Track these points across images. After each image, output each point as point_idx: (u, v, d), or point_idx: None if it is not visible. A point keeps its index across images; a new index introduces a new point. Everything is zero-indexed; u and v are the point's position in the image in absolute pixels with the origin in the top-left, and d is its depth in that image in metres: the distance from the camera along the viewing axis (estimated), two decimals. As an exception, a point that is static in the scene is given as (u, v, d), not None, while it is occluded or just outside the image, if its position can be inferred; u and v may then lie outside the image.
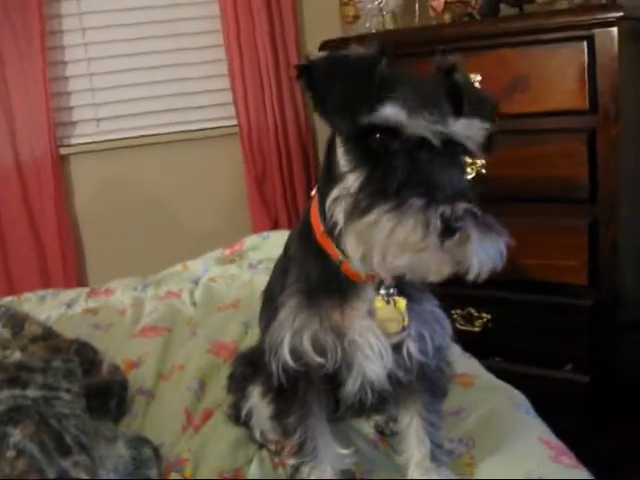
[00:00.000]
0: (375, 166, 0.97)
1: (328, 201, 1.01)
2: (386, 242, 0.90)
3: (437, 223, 0.88)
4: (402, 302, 1.11)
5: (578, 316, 2.32)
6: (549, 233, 2.33)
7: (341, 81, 1.00)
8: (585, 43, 2.16)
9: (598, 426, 2.30)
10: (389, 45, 1.04)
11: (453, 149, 0.99)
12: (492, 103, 1.13)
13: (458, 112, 1.01)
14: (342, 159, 1.03)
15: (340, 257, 1.10)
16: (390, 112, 0.95)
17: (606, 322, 2.28)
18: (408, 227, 0.89)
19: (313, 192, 1.19)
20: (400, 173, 0.94)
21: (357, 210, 0.94)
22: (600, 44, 2.14)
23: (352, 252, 0.95)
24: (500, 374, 1.66)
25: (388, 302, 1.11)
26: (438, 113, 0.97)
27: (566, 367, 2.38)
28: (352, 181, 0.98)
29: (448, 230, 0.89)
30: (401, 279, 1.07)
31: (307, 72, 1.02)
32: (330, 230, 1.07)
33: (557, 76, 2.24)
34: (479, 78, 2.36)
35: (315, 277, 1.13)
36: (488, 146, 1.04)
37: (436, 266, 0.94)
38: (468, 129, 0.99)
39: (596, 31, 2.14)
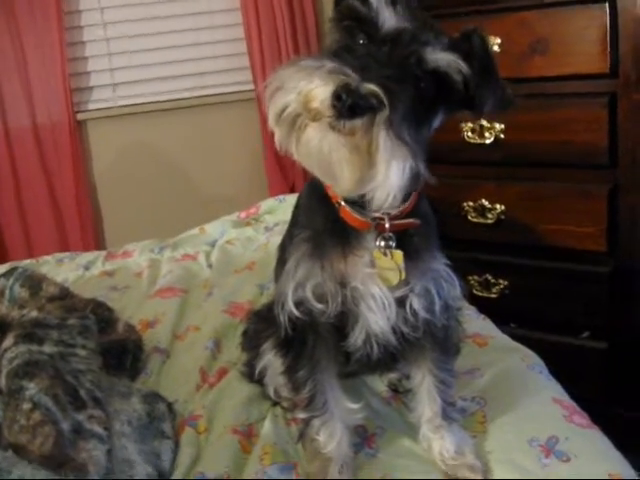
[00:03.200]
0: (335, 51, 0.98)
1: None
2: (294, 92, 0.90)
3: (334, 88, 0.86)
4: (399, 254, 1.09)
5: (596, 283, 2.30)
6: (568, 199, 2.30)
7: None
8: (607, 4, 2.11)
9: (615, 393, 2.30)
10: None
11: (426, 79, 0.96)
12: (505, 93, 1.05)
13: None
14: None
15: (339, 199, 1.09)
16: (375, 2, 0.97)
17: (624, 289, 2.26)
18: (306, 74, 0.89)
19: None
20: (346, 55, 0.94)
21: None
22: (622, 6, 2.09)
23: (270, 117, 0.94)
24: (517, 340, 1.65)
25: (385, 254, 1.09)
26: (425, 34, 0.96)
27: (583, 334, 2.37)
28: None
29: (346, 102, 0.85)
30: (406, 233, 1.08)
31: None
32: None
33: (578, 39, 2.19)
34: (499, 41, 2.32)
35: (320, 223, 1.12)
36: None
37: (335, 150, 0.90)
38: (446, 63, 0.96)
39: (619, -8, 2.09)
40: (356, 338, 1.13)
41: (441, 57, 0.96)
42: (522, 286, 2.47)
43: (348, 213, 1.09)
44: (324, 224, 1.12)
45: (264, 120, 3.38)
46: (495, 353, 1.54)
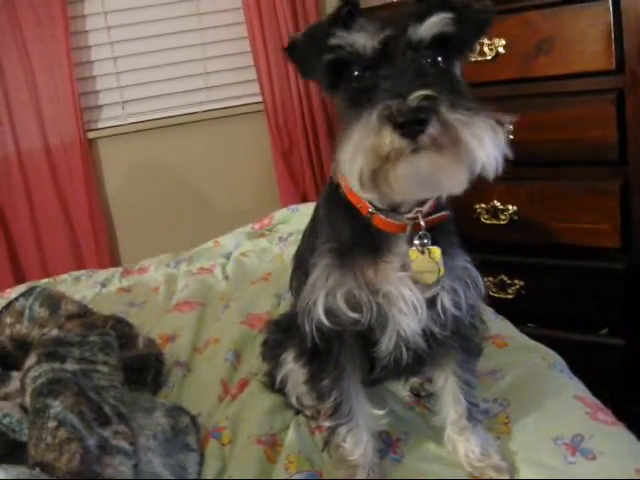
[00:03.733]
0: (353, 97, 0.99)
1: None
2: (364, 157, 0.90)
3: (389, 120, 0.87)
4: (437, 250, 1.11)
5: (612, 280, 2.29)
6: (580, 197, 2.30)
7: (308, 42, 1.06)
8: (610, 2, 2.12)
9: (634, 390, 2.28)
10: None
11: (426, 53, 0.98)
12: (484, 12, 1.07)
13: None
14: (341, 110, 1.06)
15: (371, 209, 1.10)
16: (338, 40, 0.98)
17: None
18: (357, 138, 0.89)
19: None
20: (366, 92, 0.95)
21: (340, 142, 0.94)
22: (625, 2, 2.09)
23: (352, 181, 0.93)
24: (535, 339, 1.65)
25: (422, 252, 1.10)
26: (394, 24, 0.97)
27: (601, 331, 2.36)
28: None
29: (409, 124, 0.87)
30: (433, 230, 1.10)
31: (290, 48, 1.09)
32: None
33: (582, 37, 2.19)
34: (504, 42, 2.33)
35: (346, 235, 1.13)
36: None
37: (433, 168, 0.91)
38: (432, 27, 0.97)
39: (621, -11, 2.10)
40: (386, 343, 1.14)
41: (427, 26, 0.97)
42: (538, 285, 2.47)
43: (382, 220, 1.10)
44: (350, 236, 1.13)
45: (273, 131, 3.42)
46: (515, 353, 1.54)
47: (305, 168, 3.52)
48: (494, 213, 2.47)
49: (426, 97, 0.88)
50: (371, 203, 1.09)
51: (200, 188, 3.66)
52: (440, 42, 0.98)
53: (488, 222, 2.48)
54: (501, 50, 2.34)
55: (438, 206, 1.12)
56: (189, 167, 3.63)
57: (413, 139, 0.88)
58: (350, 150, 0.91)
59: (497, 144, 0.90)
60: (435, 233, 1.12)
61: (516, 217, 2.43)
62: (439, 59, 0.99)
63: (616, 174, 2.23)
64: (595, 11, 2.16)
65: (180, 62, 3.53)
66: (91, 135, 3.47)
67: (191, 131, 3.58)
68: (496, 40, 2.34)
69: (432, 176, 0.93)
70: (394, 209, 1.09)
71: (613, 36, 2.12)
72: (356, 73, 0.99)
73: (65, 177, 3.40)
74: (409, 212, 1.09)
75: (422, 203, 1.09)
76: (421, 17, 0.98)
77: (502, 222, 2.46)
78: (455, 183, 0.95)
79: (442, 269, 1.11)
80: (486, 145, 0.89)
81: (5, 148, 3.34)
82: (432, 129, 0.88)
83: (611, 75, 2.17)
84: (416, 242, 1.11)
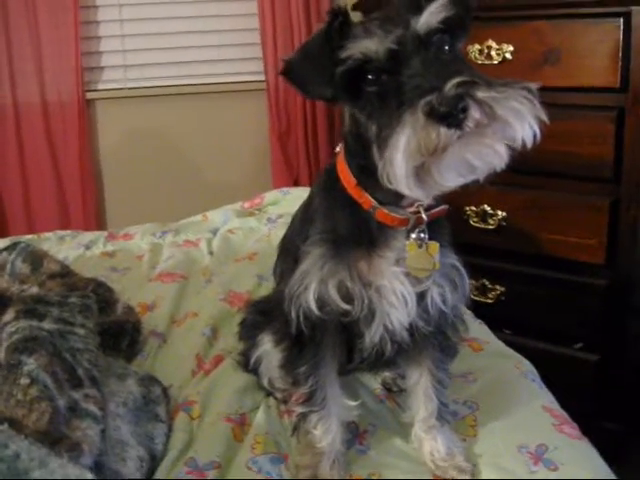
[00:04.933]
0: (379, 104, 0.99)
1: (374, 156, 1.00)
2: (402, 159, 0.90)
3: (433, 113, 0.88)
4: (435, 245, 1.12)
5: (592, 295, 2.32)
6: (570, 209, 2.31)
7: (305, 60, 1.07)
8: (621, 20, 2.12)
9: (605, 406, 2.31)
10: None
11: (428, 45, 0.98)
12: None
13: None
14: (360, 118, 1.05)
15: (374, 204, 1.11)
16: (352, 49, 0.98)
17: (619, 303, 2.27)
18: (407, 135, 0.90)
19: (337, 149, 1.21)
20: (394, 94, 0.95)
21: (381, 149, 0.96)
22: (636, 22, 2.10)
23: (399, 187, 0.94)
24: (509, 347, 1.67)
25: (420, 246, 1.12)
26: (397, 23, 0.98)
27: (576, 345, 2.38)
28: (372, 129, 1.00)
29: (452, 113, 0.88)
30: (429, 225, 1.12)
31: (286, 69, 1.08)
32: (365, 181, 1.11)
33: (590, 51, 2.20)
34: (511, 48, 2.33)
35: (343, 227, 1.14)
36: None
37: (481, 151, 0.94)
38: (427, 17, 0.98)
39: (633, 8, 2.10)
40: (372, 335, 1.15)
41: (428, 16, 0.98)
42: (518, 293, 2.49)
43: (385, 214, 1.11)
44: (347, 229, 1.14)
45: (272, 111, 3.41)
46: (489, 359, 1.56)
47: (300, 151, 3.51)
48: (483, 217, 2.48)
49: (459, 84, 0.89)
50: (375, 198, 1.10)
51: (194, 160, 3.64)
52: (443, 28, 0.99)
53: (476, 225, 2.50)
54: (508, 56, 2.34)
55: (436, 200, 1.12)
56: (185, 138, 3.61)
57: (459, 127, 0.89)
58: (401, 155, 0.91)
59: (534, 112, 0.92)
60: (431, 229, 1.13)
61: (504, 223, 2.44)
62: (446, 45, 1.01)
63: (608, 191, 2.24)
64: (606, 27, 2.17)
65: (186, 32, 3.51)
66: (90, 95, 3.43)
67: (191, 102, 3.56)
68: (504, 45, 2.34)
69: (478, 158, 0.95)
70: (396, 203, 1.11)
71: (621, 54, 2.13)
72: (370, 77, 0.99)
73: (59, 135, 3.37)
74: (411, 206, 1.11)
75: None
76: (418, 8, 0.99)
77: (490, 226, 2.47)
78: (499, 160, 0.96)
79: (437, 264, 1.12)
80: (525, 116, 0.91)
81: (2, 99, 3.30)
82: (474, 113, 0.89)
83: (614, 93, 2.19)
84: (413, 236, 1.12)
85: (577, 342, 2.38)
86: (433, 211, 1.12)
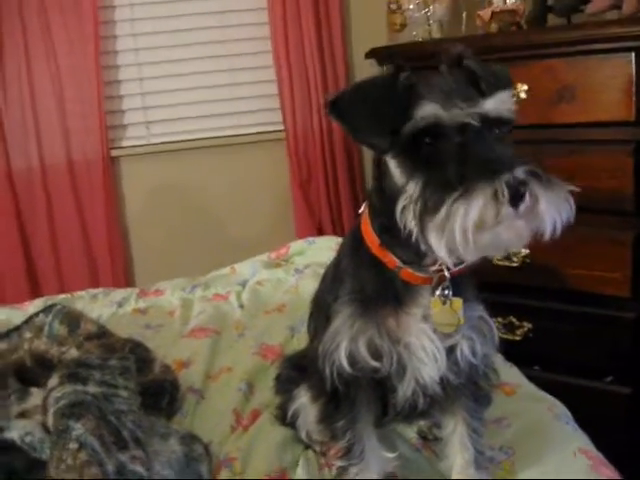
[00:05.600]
0: (431, 166, 1.01)
1: (397, 213, 1.04)
2: (463, 226, 0.93)
3: (504, 192, 0.92)
4: (458, 302, 1.15)
5: (620, 328, 2.32)
6: (593, 244, 2.33)
7: (365, 104, 1.06)
8: (633, 54, 2.16)
9: (639, 439, 2.30)
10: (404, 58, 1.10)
11: (491, 127, 1.03)
12: (504, 72, 1.16)
13: (481, 93, 1.06)
14: (396, 172, 1.07)
15: (398, 264, 1.14)
16: (427, 111, 1.01)
17: (648, 335, 2.28)
18: (480, 205, 0.93)
19: (362, 209, 1.24)
20: (456, 163, 0.98)
21: (429, 209, 0.98)
22: (648, 55, 2.14)
23: (437, 248, 0.97)
24: (540, 383, 1.68)
25: (444, 303, 1.14)
26: (467, 98, 1.02)
27: (607, 379, 2.38)
28: (413, 187, 1.02)
29: (516, 196, 0.92)
30: (454, 280, 1.14)
31: (334, 106, 1.08)
32: (388, 241, 1.14)
33: (604, 87, 2.24)
34: (526, 87, 2.37)
35: (370, 287, 1.17)
36: None
37: (515, 234, 0.97)
38: (499, 104, 1.04)
39: (644, 42, 2.14)
40: (405, 390, 1.18)
41: (501, 101, 1.05)
42: (546, 329, 2.49)
43: (409, 274, 1.15)
44: (374, 287, 1.17)
45: (292, 160, 3.47)
46: (522, 402, 1.56)
47: (322, 199, 3.55)
48: (507, 255, 2.50)
49: (527, 171, 0.94)
50: (398, 257, 1.14)
51: (218, 213, 3.70)
52: (507, 118, 1.05)
53: (500, 263, 2.51)
54: (523, 95, 2.38)
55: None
56: (208, 191, 3.67)
57: (516, 208, 0.93)
58: (466, 222, 0.94)
59: (568, 215, 0.99)
60: (455, 284, 1.16)
61: (528, 260, 2.46)
62: (502, 132, 1.06)
63: (630, 224, 2.26)
64: (617, 62, 2.20)
65: (205, 87, 3.59)
66: (114, 153, 3.52)
67: (212, 155, 3.62)
68: (519, 85, 2.38)
69: (509, 239, 0.99)
70: (418, 262, 1.14)
71: (634, 88, 2.16)
72: (427, 141, 1.02)
73: (86, 193, 3.45)
74: (434, 265, 1.14)
75: None
76: (477, 86, 1.06)
77: (514, 264, 2.49)
78: (520, 244, 1.02)
79: (462, 319, 1.15)
80: (559, 216, 0.97)
81: (29, 161, 3.39)
82: (528, 201, 0.94)
83: (630, 126, 2.21)
84: (437, 293, 1.15)
85: (607, 375, 2.38)
86: (456, 269, 1.14)
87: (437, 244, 0.97)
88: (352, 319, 1.15)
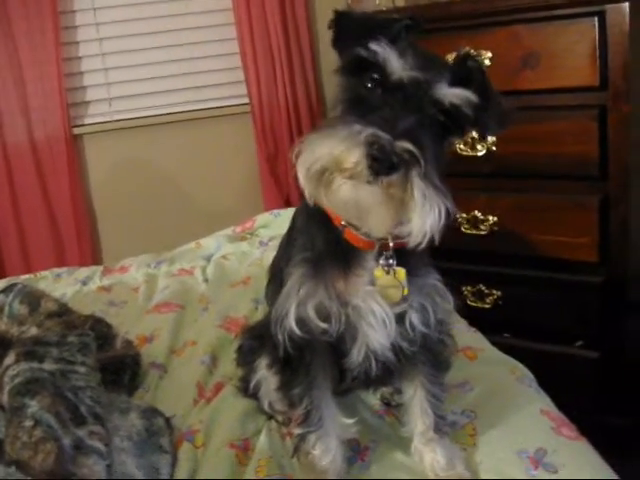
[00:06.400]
0: (350, 101, 1.03)
1: None
2: (326, 154, 0.93)
3: (372, 145, 0.90)
4: (402, 272, 1.13)
5: (588, 293, 2.33)
6: (560, 210, 2.33)
7: (359, 24, 1.08)
8: (596, 19, 2.14)
9: (607, 402, 2.32)
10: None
11: (435, 112, 1.01)
12: (508, 109, 1.12)
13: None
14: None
15: (343, 222, 1.12)
16: (381, 50, 1.00)
17: (616, 298, 2.29)
18: (337, 138, 0.92)
19: None
20: (365, 107, 0.98)
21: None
22: (611, 20, 2.12)
23: (301, 171, 0.98)
24: (510, 350, 1.68)
25: (388, 272, 1.13)
26: (432, 73, 1.01)
27: (576, 343, 2.39)
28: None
29: (383, 162, 0.90)
30: (402, 250, 1.11)
31: (341, 16, 1.11)
32: None
33: (568, 52, 2.23)
34: (490, 55, 2.35)
35: (320, 244, 1.16)
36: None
37: (372, 202, 0.95)
38: (458, 98, 1.01)
39: (607, 7, 2.12)
40: (356, 356, 1.16)
41: (452, 94, 1.01)
42: (515, 296, 2.50)
43: (352, 234, 1.12)
44: (324, 246, 1.15)
45: (258, 133, 3.44)
46: (485, 366, 1.56)
47: (289, 172, 3.49)
48: (474, 223, 2.50)
49: (411, 153, 0.91)
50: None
51: (184, 188, 3.67)
52: (452, 114, 1.02)
53: (468, 232, 2.51)
54: (487, 62, 2.36)
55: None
56: (174, 166, 3.64)
57: (375, 175, 0.92)
58: (323, 141, 0.95)
59: (435, 227, 0.94)
60: (404, 252, 1.13)
61: (496, 228, 2.46)
62: (440, 125, 1.03)
63: (596, 189, 2.26)
64: (581, 27, 2.19)
65: (168, 61, 3.55)
66: (77, 131, 3.47)
67: (177, 130, 3.59)
68: (482, 52, 2.36)
69: (364, 209, 0.97)
70: None
71: (598, 53, 2.15)
72: (371, 79, 1.02)
73: (49, 172, 3.41)
74: None
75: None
76: (454, 79, 1.02)
77: (482, 232, 2.49)
78: (377, 228, 1.01)
79: (406, 289, 1.13)
80: (426, 224, 0.93)
81: (-10, 141, 3.33)
82: (395, 178, 0.92)
83: (595, 91, 2.21)
84: (382, 262, 1.13)
85: (577, 340, 2.39)
86: (400, 241, 1.10)
87: (300, 170, 0.97)
88: (301, 281, 1.13)
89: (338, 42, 1.11)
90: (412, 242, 0.97)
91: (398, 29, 1.05)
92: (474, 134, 2.36)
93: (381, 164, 0.91)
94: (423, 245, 0.96)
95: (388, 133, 0.91)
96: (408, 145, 0.91)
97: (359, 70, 1.04)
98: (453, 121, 1.03)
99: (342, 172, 0.94)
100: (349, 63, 1.06)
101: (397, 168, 0.91)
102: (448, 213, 0.95)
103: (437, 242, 0.97)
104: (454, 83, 1.02)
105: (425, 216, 0.93)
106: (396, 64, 1.00)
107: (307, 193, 1.00)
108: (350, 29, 1.09)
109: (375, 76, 1.02)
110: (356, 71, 1.05)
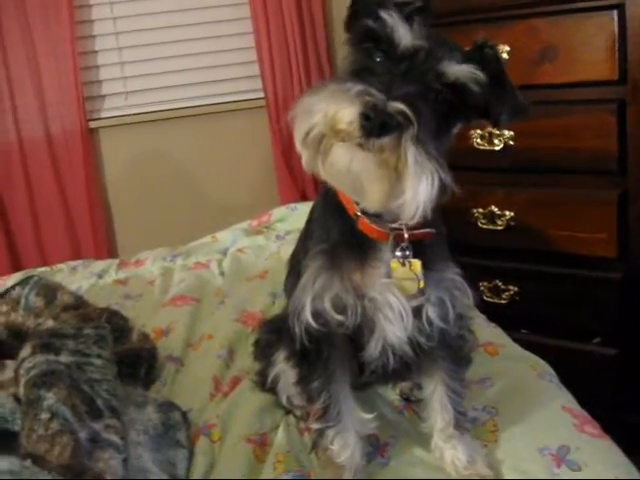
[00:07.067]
0: (354, 72, 1.01)
1: None
2: (321, 113, 0.92)
3: (356, 92, 0.89)
4: (417, 263, 1.11)
5: (607, 289, 2.30)
6: (578, 205, 2.30)
7: (373, 3, 1.05)
8: (615, 12, 2.12)
9: (626, 399, 2.30)
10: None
11: (441, 87, 0.99)
12: (522, 99, 1.10)
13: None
14: None
15: (357, 212, 1.11)
16: (390, 19, 1.00)
17: (635, 295, 2.26)
18: (330, 97, 0.91)
19: None
20: (368, 71, 0.98)
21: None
22: (631, 13, 2.09)
23: (297, 135, 0.96)
24: (527, 347, 1.66)
25: (403, 264, 1.11)
26: (442, 49, 0.99)
27: (594, 340, 2.37)
28: None
29: (375, 120, 0.89)
30: (419, 243, 1.10)
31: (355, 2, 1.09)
32: None
33: (586, 46, 2.20)
34: (508, 48, 2.33)
35: (335, 235, 1.14)
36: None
37: (365, 169, 0.93)
38: (464, 74, 0.99)
39: (627, 0, 2.10)
40: (373, 349, 1.15)
41: (459, 69, 0.99)
42: (532, 292, 2.48)
43: (367, 225, 1.11)
44: (340, 237, 1.14)
45: (274, 128, 3.42)
46: (506, 362, 1.55)
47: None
48: (491, 218, 2.48)
49: (404, 114, 0.89)
50: (358, 205, 1.10)
51: (199, 182, 3.66)
52: (458, 93, 1.00)
53: (485, 227, 2.49)
54: (505, 56, 2.34)
55: (425, 221, 1.09)
56: (189, 160, 3.63)
57: (366, 136, 0.90)
58: (316, 102, 0.93)
59: (427, 197, 0.92)
60: (422, 245, 1.12)
61: (513, 223, 2.44)
62: (445, 103, 1.00)
63: (615, 184, 2.23)
64: (600, 21, 2.16)
65: (184, 55, 3.53)
66: (93, 125, 3.47)
67: (193, 124, 3.58)
68: (500, 46, 2.34)
69: (358, 177, 0.95)
70: (379, 215, 1.10)
71: (617, 46, 2.13)
72: (379, 51, 1.01)
73: (65, 166, 3.41)
74: (394, 222, 1.10)
75: None
76: (463, 59, 1.00)
77: (499, 227, 2.46)
78: (373, 199, 0.97)
79: (422, 282, 1.11)
80: (419, 190, 0.91)
81: (6, 135, 3.34)
82: (387, 140, 0.90)
83: (613, 85, 2.18)
84: (398, 253, 1.12)
85: (595, 337, 2.37)
86: (415, 232, 1.11)
87: (296, 134, 0.96)
88: (317, 273, 1.12)
89: (351, 21, 1.09)
90: (405, 215, 0.94)
91: (409, 11, 1.03)
92: (491, 129, 2.39)
93: (372, 123, 0.88)
94: (416, 218, 0.94)
95: (384, 94, 0.90)
96: (402, 106, 0.89)
97: (367, 42, 1.03)
98: (460, 100, 1.01)
99: (337, 136, 0.92)
100: (357, 34, 1.05)
101: (389, 130, 0.89)
102: (444, 185, 0.93)
103: (429, 216, 0.96)
104: (464, 63, 1.00)
105: (417, 184, 0.90)
106: (404, 32, 0.98)
107: (304, 161, 0.98)
108: (364, 7, 1.06)
109: (383, 46, 1.00)
110: (364, 42, 1.03)
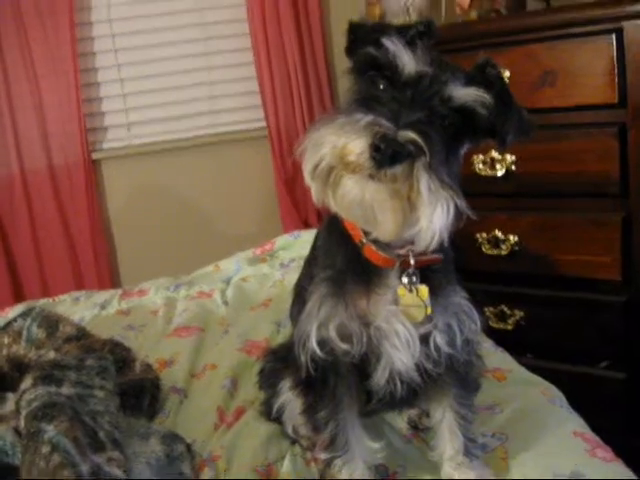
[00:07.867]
0: (359, 101, 1.00)
1: None
2: (329, 146, 0.92)
3: (365, 123, 0.89)
4: (424, 289, 1.10)
5: (612, 312, 2.29)
6: (581, 229, 2.30)
7: (373, 29, 1.07)
8: (614, 36, 2.13)
9: (636, 423, 2.27)
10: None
11: (447, 112, 0.98)
12: (528, 117, 1.10)
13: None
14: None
15: (363, 239, 1.10)
16: (393, 46, 0.99)
17: (640, 318, 2.25)
18: (339, 129, 0.91)
19: None
20: (375, 100, 0.97)
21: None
22: (629, 36, 2.10)
23: (307, 168, 0.96)
24: (534, 371, 1.64)
25: (410, 290, 1.10)
26: (445, 73, 0.99)
27: (601, 364, 2.35)
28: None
29: (385, 151, 0.88)
30: (426, 269, 1.09)
31: (357, 26, 1.10)
32: None
33: (586, 70, 2.21)
34: (508, 74, 2.33)
35: (340, 262, 1.13)
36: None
37: (377, 199, 0.92)
38: (471, 97, 0.99)
39: (625, 24, 2.10)
40: (380, 377, 1.13)
41: (465, 93, 0.99)
42: (538, 316, 2.46)
43: (372, 251, 1.10)
44: (345, 264, 1.12)
45: (276, 157, 3.43)
46: (514, 387, 1.53)
47: (308, 195, 3.47)
48: (495, 243, 2.47)
49: (415, 143, 0.89)
50: (364, 232, 1.09)
51: (202, 212, 3.67)
52: (465, 116, 1.00)
53: (489, 252, 2.48)
54: (506, 81, 2.34)
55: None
56: (192, 190, 3.64)
57: (377, 166, 0.89)
58: (325, 135, 0.93)
59: (443, 224, 0.91)
60: (429, 271, 1.11)
61: (517, 248, 2.43)
62: (453, 127, 1.00)
63: (617, 207, 2.23)
64: (598, 45, 2.17)
65: (186, 86, 3.56)
66: (95, 156, 3.48)
67: (195, 155, 3.59)
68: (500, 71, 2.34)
69: (371, 209, 0.94)
70: (386, 242, 1.08)
71: (616, 70, 2.14)
72: (382, 77, 1.00)
73: (68, 197, 3.42)
74: (401, 248, 1.08)
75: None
76: (470, 83, 1.00)
77: (503, 252, 2.46)
78: (387, 230, 0.96)
79: (429, 308, 1.10)
80: (434, 218, 0.90)
81: (9, 166, 3.36)
82: (399, 170, 0.89)
83: (614, 109, 2.19)
84: (404, 280, 1.10)
85: (602, 361, 2.35)
86: (423, 258, 1.09)
87: (305, 168, 0.95)
88: (322, 301, 1.11)
89: (351, 48, 1.09)
90: (421, 244, 0.94)
91: (412, 35, 1.03)
92: (494, 153, 2.38)
93: (383, 154, 0.88)
94: (433, 246, 0.94)
95: (393, 123, 0.89)
96: (412, 135, 0.89)
97: (370, 70, 1.02)
98: (467, 122, 1.01)
99: (347, 167, 0.92)
100: (360, 62, 1.05)
101: (400, 159, 0.88)
102: (459, 212, 0.92)
103: (446, 243, 0.95)
104: (469, 85, 1.00)
105: (432, 213, 0.90)
106: (407, 59, 0.98)
107: (314, 194, 0.98)
108: (364, 35, 1.07)
109: (386, 73, 1.00)
110: (367, 71, 1.03)
